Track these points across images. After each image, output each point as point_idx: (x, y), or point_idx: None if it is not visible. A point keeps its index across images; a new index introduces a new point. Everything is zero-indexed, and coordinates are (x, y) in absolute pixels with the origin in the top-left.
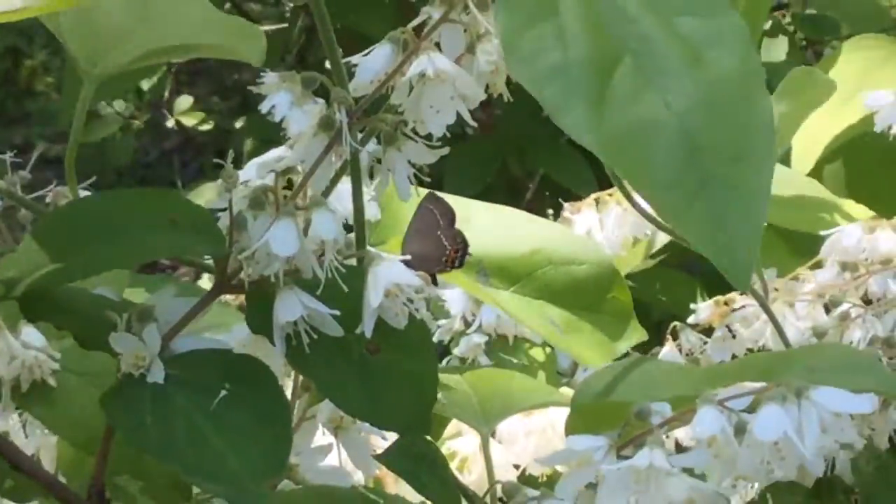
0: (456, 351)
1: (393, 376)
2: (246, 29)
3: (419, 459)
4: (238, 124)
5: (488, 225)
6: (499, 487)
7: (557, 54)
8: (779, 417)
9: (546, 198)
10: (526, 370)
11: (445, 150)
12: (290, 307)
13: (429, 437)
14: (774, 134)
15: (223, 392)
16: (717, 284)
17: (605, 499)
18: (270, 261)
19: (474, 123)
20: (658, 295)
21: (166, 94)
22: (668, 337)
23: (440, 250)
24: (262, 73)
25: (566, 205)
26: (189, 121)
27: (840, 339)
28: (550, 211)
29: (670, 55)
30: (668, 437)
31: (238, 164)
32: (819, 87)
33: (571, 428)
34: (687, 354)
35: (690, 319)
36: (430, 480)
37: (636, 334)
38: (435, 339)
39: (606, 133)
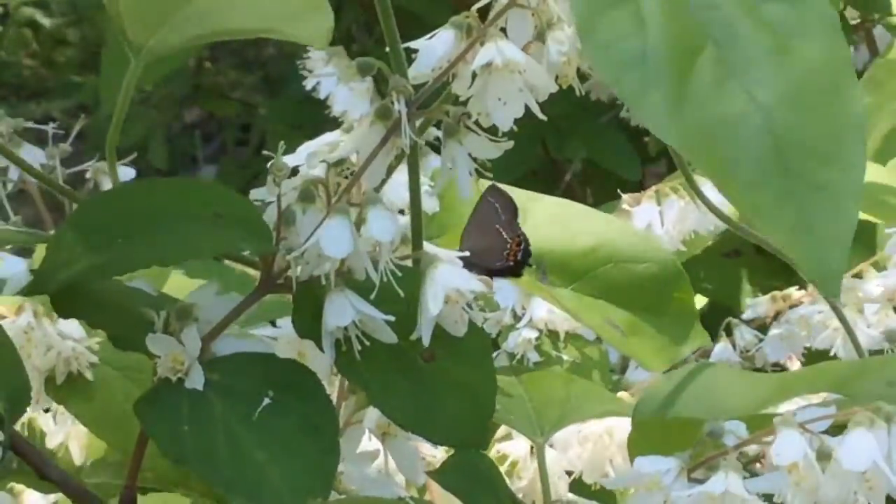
0: (505, 346)
1: (448, 387)
2: (313, 6)
3: (474, 476)
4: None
5: (546, 219)
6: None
7: (635, 41)
8: (868, 445)
9: (585, 182)
10: (578, 368)
11: (510, 144)
12: (341, 311)
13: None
14: (865, 132)
15: (266, 400)
16: (762, 272)
17: None
18: (321, 261)
19: (544, 117)
20: (702, 283)
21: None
22: (722, 333)
23: (500, 244)
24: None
25: (624, 196)
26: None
27: None
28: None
29: (754, 44)
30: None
31: (262, 146)
32: None
33: (634, 444)
34: (742, 352)
35: (746, 315)
36: (485, 500)
37: (700, 338)
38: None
39: (687, 127)
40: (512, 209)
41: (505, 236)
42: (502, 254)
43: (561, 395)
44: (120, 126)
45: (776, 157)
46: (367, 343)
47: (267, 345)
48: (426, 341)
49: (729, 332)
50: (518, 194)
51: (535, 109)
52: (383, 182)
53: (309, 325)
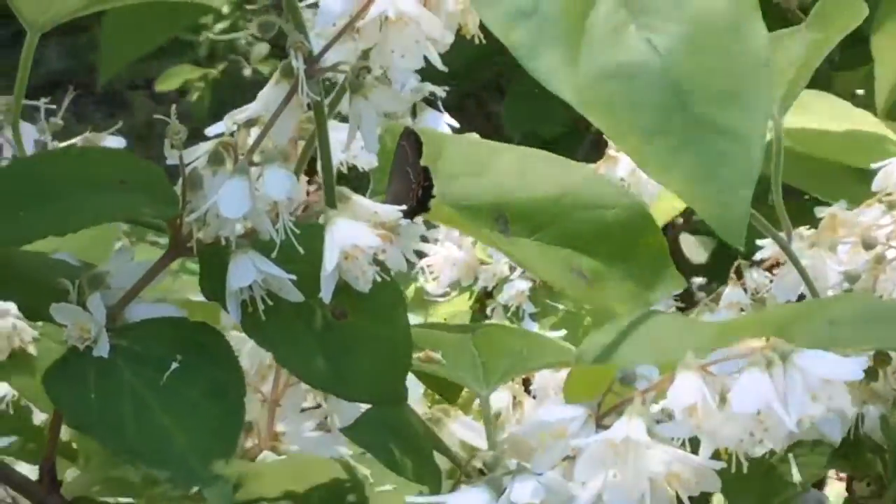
0: (499, 298)
1: (361, 343)
2: None
3: (391, 432)
4: None
5: (509, 168)
6: (479, 458)
7: None
8: (759, 386)
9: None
10: (572, 317)
11: (418, 97)
12: (244, 272)
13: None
14: (771, 70)
15: (174, 364)
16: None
17: (582, 473)
18: (223, 223)
19: (444, 68)
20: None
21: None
22: (732, 276)
23: (408, 187)
24: None
25: (611, 142)
26: (267, 69)
27: (873, 284)
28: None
29: None
30: None
31: None
32: (848, 10)
33: (569, 392)
34: (753, 294)
35: (757, 256)
36: (403, 456)
37: (673, 282)
38: (479, 285)
39: (583, 79)
40: (417, 149)
41: (411, 177)
42: (409, 195)
43: (512, 348)
44: (22, 95)
45: (676, 103)
46: (272, 303)
47: (178, 309)
48: (326, 298)
49: (739, 275)
50: (481, 144)
51: (436, 61)
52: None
53: (215, 287)
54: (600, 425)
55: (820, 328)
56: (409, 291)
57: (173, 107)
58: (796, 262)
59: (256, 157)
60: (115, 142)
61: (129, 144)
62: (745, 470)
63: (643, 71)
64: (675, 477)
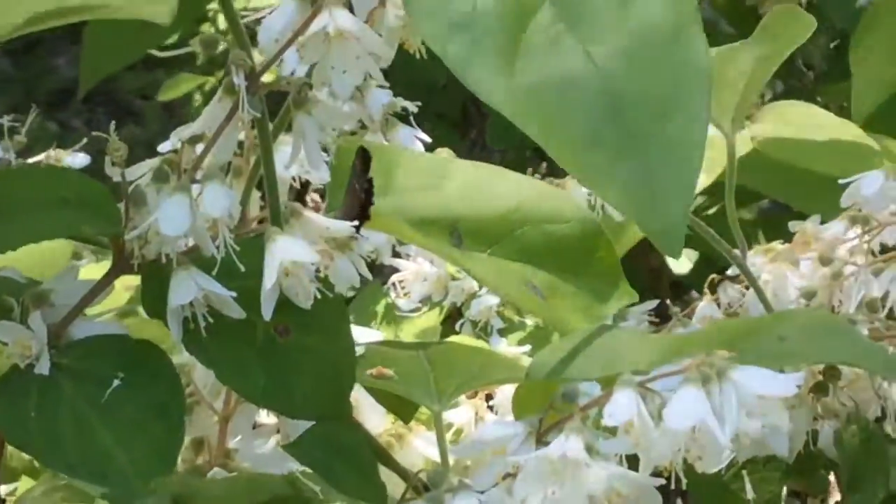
0: (468, 314)
1: (303, 360)
2: None
3: (335, 450)
4: None
5: (464, 183)
6: (423, 475)
7: (464, 5)
8: (693, 402)
9: None
10: (540, 332)
11: (359, 114)
12: (184, 289)
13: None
14: (709, 82)
15: (116, 382)
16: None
17: (521, 491)
18: (164, 240)
19: (387, 84)
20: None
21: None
22: (706, 290)
23: (354, 199)
24: None
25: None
26: (267, 78)
27: (829, 300)
28: None
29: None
30: None
31: None
32: (796, 22)
33: (518, 408)
34: (726, 309)
35: (730, 271)
36: (346, 473)
37: (625, 296)
38: (448, 300)
39: (517, 89)
40: (365, 164)
41: (357, 189)
42: (355, 211)
43: (464, 364)
44: None
45: (612, 114)
46: (214, 321)
47: (121, 326)
48: (266, 315)
49: (713, 290)
50: (439, 161)
51: (378, 76)
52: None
53: (157, 304)
54: (541, 442)
55: (770, 343)
56: (380, 307)
57: (112, 123)
58: (750, 277)
59: (199, 175)
60: (80, 159)
61: (141, 154)
62: (684, 486)
63: (579, 82)
64: (615, 494)
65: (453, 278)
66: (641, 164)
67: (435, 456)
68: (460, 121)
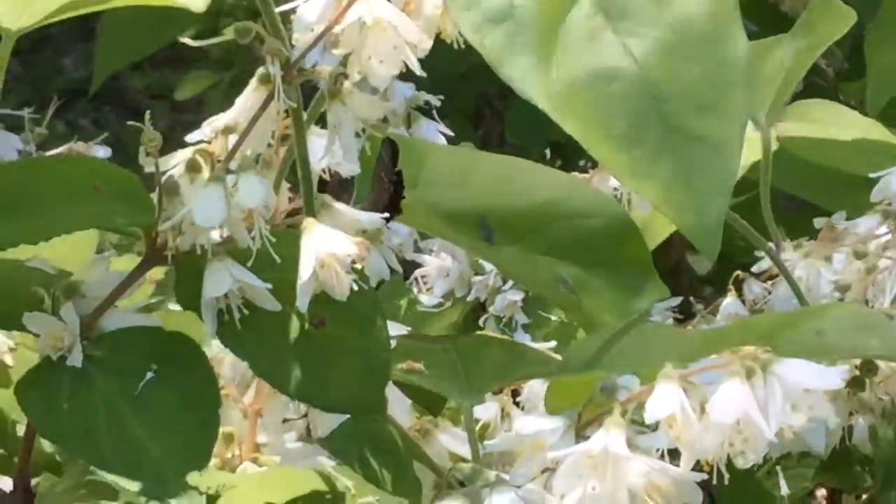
0: (492, 309)
1: (338, 353)
2: None
3: (370, 443)
4: None
5: (493, 177)
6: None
7: None
8: (738, 395)
9: None
10: (565, 327)
11: (394, 105)
12: (219, 280)
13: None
14: (749, 77)
15: (149, 374)
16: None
17: (561, 485)
18: (198, 231)
19: (423, 73)
20: (737, 241)
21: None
22: (731, 287)
23: (382, 191)
24: None
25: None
26: None
27: (864, 294)
28: None
29: None
30: None
31: None
32: (835, 17)
33: (551, 402)
34: (751, 305)
35: (755, 268)
36: (381, 468)
37: (657, 291)
38: (472, 296)
39: (556, 84)
40: (393, 156)
41: (385, 181)
42: (383, 200)
43: (495, 358)
44: None
45: (652, 110)
46: (249, 313)
47: (154, 318)
48: (302, 307)
49: (738, 287)
50: (463, 154)
51: (414, 66)
52: None
53: (191, 296)
54: (581, 436)
55: (806, 337)
56: (403, 303)
57: (147, 113)
58: (785, 273)
59: (233, 165)
60: (102, 151)
61: None
62: (726, 481)
63: (619, 77)
64: (655, 489)
65: (476, 273)
66: (680, 163)
67: (461, 451)
68: (473, 115)
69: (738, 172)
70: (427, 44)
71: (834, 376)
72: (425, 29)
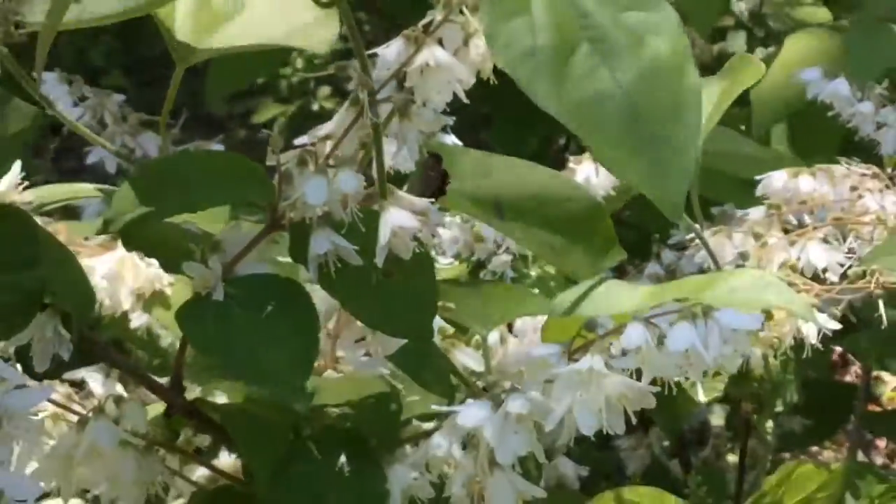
0: (490, 267)
1: (400, 295)
2: (324, 21)
3: (421, 358)
4: None
5: (505, 172)
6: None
7: (529, 41)
8: (688, 333)
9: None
10: (540, 281)
11: (449, 120)
12: (321, 243)
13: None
14: (701, 99)
15: (269, 307)
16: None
17: (557, 393)
18: (307, 208)
19: (467, 101)
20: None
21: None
22: (654, 255)
23: (432, 184)
24: None
25: (571, 157)
26: (330, 104)
27: (758, 262)
28: None
29: (619, 41)
30: None
31: None
32: (750, 68)
33: (546, 335)
34: (667, 268)
35: (671, 240)
36: (428, 375)
37: (618, 255)
38: (475, 257)
39: (567, 103)
40: (438, 158)
41: (432, 175)
42: (431, 187)
43: (507, 301)
44: (168, 111)
45: (632, 121)
46: (340, 266)
47: (272, 267)
48: (380, 263)
49: (658, 254)
50: (483, 156)
51: (462, 95)
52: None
53: (300, 253)
54: (571, 359)
55: (724, 293)
56: None
57: (275, 124)
58: (706, 244)
59: (331, 162)
60: (217, 146)
61: None
62: (666, 392)
63: (610, 99)
64: (623, 397)
65: (478, 241)
66: (654, 158)
67: (471, 365)
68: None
69: (693, 166)
70: (471, 80)
71: (755, 320)
72: (470, 70)
